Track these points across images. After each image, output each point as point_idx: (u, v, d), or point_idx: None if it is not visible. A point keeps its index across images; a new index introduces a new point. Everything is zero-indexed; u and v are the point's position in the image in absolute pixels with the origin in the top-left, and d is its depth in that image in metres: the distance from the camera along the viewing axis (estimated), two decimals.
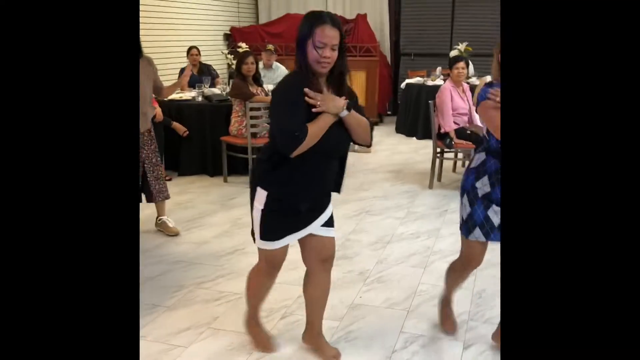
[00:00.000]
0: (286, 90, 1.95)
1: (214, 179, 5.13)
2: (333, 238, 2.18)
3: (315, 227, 2.10)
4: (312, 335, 2.32)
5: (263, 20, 9.07)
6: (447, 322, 2.52)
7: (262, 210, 2.02)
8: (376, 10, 8.58)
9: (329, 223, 2.16)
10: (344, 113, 1.92)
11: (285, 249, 2.14)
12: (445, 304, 2.54)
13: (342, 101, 1.92)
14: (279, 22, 8.60)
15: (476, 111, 2.21)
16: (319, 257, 2.17)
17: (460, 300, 2.77)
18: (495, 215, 2.12)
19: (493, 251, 2.51)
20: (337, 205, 4.07)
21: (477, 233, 2.17)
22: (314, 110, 1.88)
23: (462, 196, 2.22)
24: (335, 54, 1.88)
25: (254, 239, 2.12)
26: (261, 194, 2.01)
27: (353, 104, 1.98)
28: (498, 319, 2.59)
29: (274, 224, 2.04)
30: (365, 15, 8.34)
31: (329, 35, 1.84)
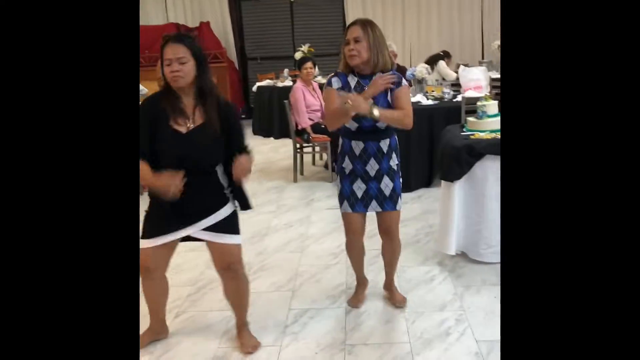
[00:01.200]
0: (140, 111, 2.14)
1: None
2: (230, 245, 2.24)
3: (195, 231, 2.19)
4: (238, 330, 2.47)
5: None
6: (354, 299, 2.76)
7: (146, 211, 2.21)
8: (218, 17, 8.74)
9: (220, 229, 2.21)
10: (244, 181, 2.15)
11: (162, 252, 2.22)
12: (358, 284, 2.79)
13: (249, 162, 2.11)
14: None
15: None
16: (219, 265, 2.29)
17: (338, 273, 3.10)
18: (359, 189, 2.46)
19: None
20: None
21: (345, 205, 2.50)
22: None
23: (337, 176, 2.54)
24: (187, 67, 2.00)
25: None
26: (147, 200, 2.20)
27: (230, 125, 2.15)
28: (371, 285, 2.95)
29: (150, 224, 2.21)
30: (208, 23, 8.47)
31: (172, 50, 2.00)
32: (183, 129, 2.08)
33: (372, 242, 3.52)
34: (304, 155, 5.54)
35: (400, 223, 2.64)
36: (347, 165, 2.46)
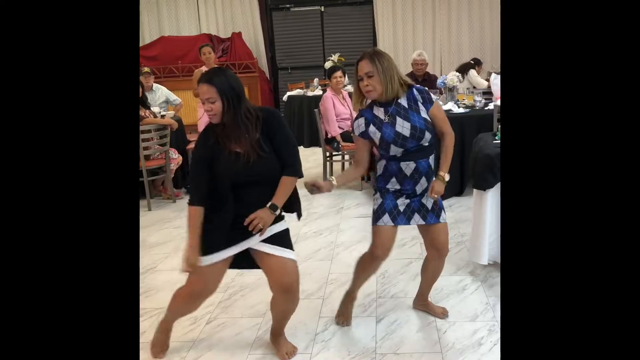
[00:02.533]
0: (195, 147, 2.25)
1: None
2: (288, 261, 2.22)
3: (254, 242, 2.20)
4: (274, 337, 2.48)
5: None
6: (343, 315, 2.70)
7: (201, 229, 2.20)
8: (249, 27, 8.86)
9: (279, 242, 2.22)
10: (277, 212, 2.18)
11: (215, 273, 2.21)
12: (349, 298, 2.71)
13: (269, 217, 2.15)
14: (154, 45, 8.57)
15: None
16: (279, 285, 2.23)
17: (368, 281, 3.08)
18: (402, 204, 2.40)
19: None
20: None
21: (386, 218, 2.41)
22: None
23: (374, 194, 2.48)
24: (215, 105, 2.10)
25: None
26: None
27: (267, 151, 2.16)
28: (401, 295, 2.94)
29: (207, 240, 2.18)
30: (240, 34, 8.59)
31: (202, 91, 2.11)
32: (238, 150, 2.15)
33: (403, 251, 3.52)
34: (334, 164, 5.55)
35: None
36: (394, 185, 2.39)
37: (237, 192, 2.17)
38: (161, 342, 2.48)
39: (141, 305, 2.99)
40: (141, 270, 3.50)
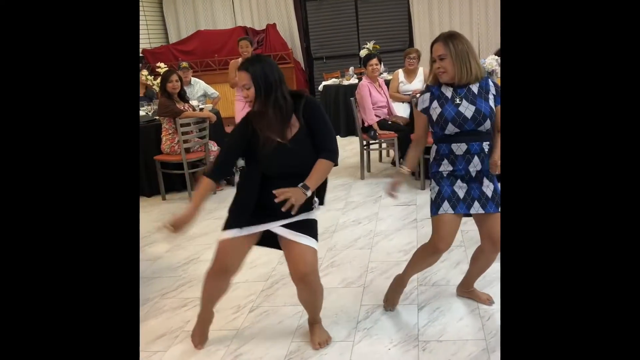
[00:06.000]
0: (233, 130, 2.34)
1: (151, 199, 5.17)
2: (305, 248, 2.20)
3: (274, 226, 2.22)
4: (309, 324, 2.50)
5: (173, 39, 9.10)
6: (389, 300, 2.71)
7: (230, 207, 2.31)
8: (284, 18, 8.87)
9: (298, 228, 2.22)
10: (308, 193, 2.12)
11: (234, 250, 2.26)
12: (399, 284, 2.69)
13: (300, 196, 2.07)
14: (191, 39, 8.67)
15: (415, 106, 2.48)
16: (295, 275, 2.22)
17: None
18: (460, 189, 2.35)
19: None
20: None
21: (446, 206, 2.36)
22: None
23: (431, 182, 2.46)
24: (251, 91, 2.14)
25: None
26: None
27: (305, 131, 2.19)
28: (443, 282, 2.92)
29: (232, 217, 2.28)
30: (274, 25, 8.61)
31: (239, 77, 2.17)
32: (273, 138, 2.16)
33: None
34: (371, 152, 5.52)
35: (471, 219, 2.56)
36: (446, 167, 2.36)
37: (267, 179, 2.20)
38: (200, 332, 2.52)
39: (185, 295, 3.07)
40: (184, 261, 3.58)
